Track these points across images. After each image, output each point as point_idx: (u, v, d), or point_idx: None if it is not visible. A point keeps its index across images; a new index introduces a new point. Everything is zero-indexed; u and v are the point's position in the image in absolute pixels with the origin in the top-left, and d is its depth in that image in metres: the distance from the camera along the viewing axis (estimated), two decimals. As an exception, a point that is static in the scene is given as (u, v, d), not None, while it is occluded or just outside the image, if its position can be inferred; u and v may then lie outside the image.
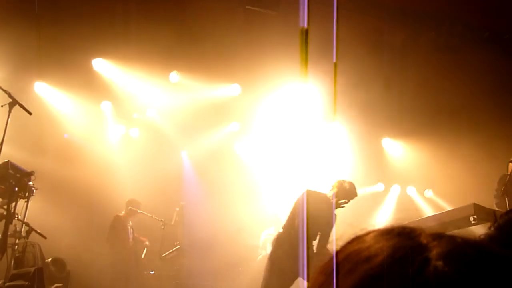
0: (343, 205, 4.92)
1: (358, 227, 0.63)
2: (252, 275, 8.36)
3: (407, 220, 7.53)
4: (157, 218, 8.16)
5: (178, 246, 8.04)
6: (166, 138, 9.89)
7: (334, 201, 4.86)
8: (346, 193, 4.94)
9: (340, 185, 4.99)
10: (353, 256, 0.55)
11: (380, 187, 10.64)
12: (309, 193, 4.87)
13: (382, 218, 10.12)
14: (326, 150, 9.46)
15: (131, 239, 8.00)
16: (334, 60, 5.83)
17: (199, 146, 9.92)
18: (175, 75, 9.05)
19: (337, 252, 0.57)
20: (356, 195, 4.99)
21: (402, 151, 10.31)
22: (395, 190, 10.74)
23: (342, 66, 7.42)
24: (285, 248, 4.74)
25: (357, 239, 0.57)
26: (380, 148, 10.33)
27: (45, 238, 5.48)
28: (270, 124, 9.73)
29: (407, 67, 9.04)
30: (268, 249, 8.18)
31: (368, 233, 0.58)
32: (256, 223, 9.00)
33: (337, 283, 0.53)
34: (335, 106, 8.08)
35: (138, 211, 8.00)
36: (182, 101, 9.19)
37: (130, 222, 8.15)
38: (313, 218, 4.69)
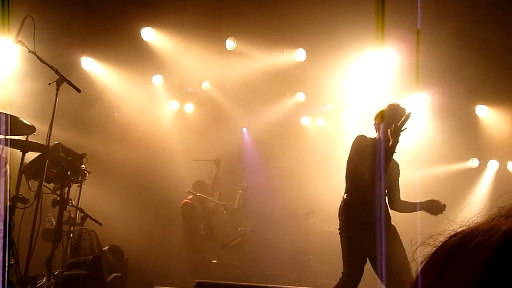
0: (400, 133, 4.24)
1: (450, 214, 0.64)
2: (325, 263, 8.43)
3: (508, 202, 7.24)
4: (218, 201, 8.35)
5: (242, 232, 8.21)
6: (224, 113, 10.04)
7: (382, 137, 4.35)
8: (391, 117, 4.35)
9: (378, 115, 4.51)
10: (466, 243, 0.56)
11: (474, 163, 10.28)
12: (361, 139, 4.52)
13: (477, 200, 9.79)
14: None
15: (202, 226, 8.27)
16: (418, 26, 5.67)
17: (261, 121, 10.00)
18: (230, 42, 9.10)
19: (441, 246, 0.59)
20: (405, 111, 4.37)
21: (501, 120, 9.86)
22: (493, 166, 10.33)
23: (427, 30, 7.19)
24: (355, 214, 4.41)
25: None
26: (474, 117, 9.93)
27: (100, 224, 5.77)
28: (341, 94, 9.63)
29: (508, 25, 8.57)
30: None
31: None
32: (328, 206, 9.00)
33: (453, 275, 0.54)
34: (417, 73, 7.89)
35: (198, 194, 8.22)
36: (240, 71, 9.25)
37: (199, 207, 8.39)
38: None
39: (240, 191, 8.53)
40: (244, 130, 10.76)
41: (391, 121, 4.30)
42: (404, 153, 8.85)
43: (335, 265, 8.51)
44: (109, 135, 9.36)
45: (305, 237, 8.77)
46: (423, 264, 0.60)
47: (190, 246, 8.02)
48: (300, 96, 10.08)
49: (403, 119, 4.21)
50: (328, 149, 9.97)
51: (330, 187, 9.29)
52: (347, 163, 4.59)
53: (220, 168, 8.69)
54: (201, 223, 8.24)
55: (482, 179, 10.29)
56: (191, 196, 8.27)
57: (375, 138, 4.55)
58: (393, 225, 4.46)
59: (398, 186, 4.66)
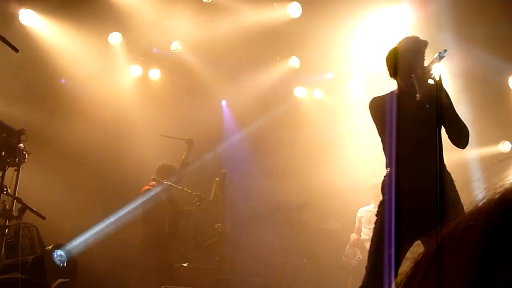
0: (429, 75, 4.02)
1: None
2: (322, 268, 8.54)
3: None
4: (189, 191, 8.36)
5: (220, 230, 8.27)
6: (198, 81, 10.02)
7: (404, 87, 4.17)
8: (410, 56, 4.14)
9: (391, 56, 4.30)
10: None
11: (506, 146, 10.43)
12: (374, 104, 4.36)
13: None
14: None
15: (166, 221, 8.28)
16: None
17: (244, 93, 10.00)
18: (208, -8, 9.05)
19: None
20: (423, 47, 4.16)
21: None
22: (506, 147, 10.52)
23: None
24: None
25: None
26: (506, 92, 10.04)
27: (43, 218, 5.77)
28: (344, 60, 9.65)
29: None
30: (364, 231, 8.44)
31: None
32: (326, 198, 9.10)
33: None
34: (438, 35, 7.93)
35: (165, 182, 8.22)
36: (219, 29, 9.22)
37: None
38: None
39: (218, 179, 8.53)
40: (223, 103, 10.76)
41: (412, 63, 4.10)
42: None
43: (333, 270, 8.69)
44: (54, 108, 9.31)
45: (297, 237, 8.85)
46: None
47: (151, 245, 8.04)
48: (293, 62, 10.09)
49: (434, 58, 3.96)
50: (327, 127, 10.03)
51: (329, 175, 9.40)
52: (379, 136, 4.42)
53: (192, 150, 8.66)
54: (165, 216, 8.23)
55: (515, 167, 10.42)
56: (154, 183, 8.27)
57: (392, 92, 4.31)
58: (453, 193, 4.11)
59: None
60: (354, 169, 9.40)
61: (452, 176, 4.23)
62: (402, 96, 4.19)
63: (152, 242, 8.06)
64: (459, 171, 5.06)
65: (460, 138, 4.30)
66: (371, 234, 4.21)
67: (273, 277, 8.55)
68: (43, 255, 5.21)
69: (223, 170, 8.67)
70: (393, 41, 8.86)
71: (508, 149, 10.46)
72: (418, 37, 4.24)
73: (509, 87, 10.01)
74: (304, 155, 9.70)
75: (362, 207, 8.84)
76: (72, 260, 6.25)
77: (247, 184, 9.66)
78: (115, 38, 9.49)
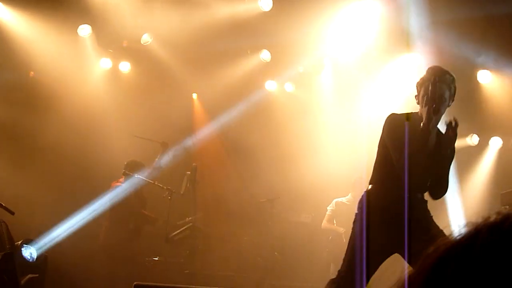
0: (435, 106, 4.19)
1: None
2: (294, 261, 8.61)
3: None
4: (160, 185, 8.36)
5: (190, 224, 8.28)
6: (168, 74, 10.00)
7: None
8: (427, 84, 4.27)
9: (419, 83, 4.39)
10: None
11: (474, 139, 10.57)
12: (392, 118, 4.46)
13: (476, 184, 10.13)
14: (398, 90, 9.49)
15: (132, 218, 8.24)
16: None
17: (215, 86, 10.00)
18: (179, -16, 9.03)
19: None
20: (436, 73, 4.29)
21: (506, 89, 10.14)
22: (495, 144, 10.66)
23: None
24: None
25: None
26: (474, 85, 10.18)
27: (12, 213, 5.73)
28: (315, 53, 9.70)
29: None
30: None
31: None
32: (297, 191, 9.16)
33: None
34: (408, 28, 8.02)
35: (136, 176, 8.20)
36: (190, 22, 9.20)
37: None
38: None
39: (189, 172, 8.53)
40: (194, 96, 10.74)
41: (428, 92, 4.22)
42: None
43: (306, 264, 8.77)
44: (23, 101, 9.21)
45: (269, 230, 8.90)
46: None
47: (115, 240, 8.02)
48: (264, 55, 10.11)
49: (431, 86, 4.18)
50: (298, 121, 10.09)
51: (300, 168, 9.46)
52: (378, 148, 4.54)
53: (166, 154, 8.61)
54: (131, 212, 8.20)
55: (482, 160, 10.60)
56: (122, 179, 8.24)
57: (415, 113, 4.41)
58: (428, 220, 4.40)
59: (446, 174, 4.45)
60: (325, 163, 9.47)
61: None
62: (418, 123, 4.30)
63: (116, 237, 8.03)
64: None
65: (439, 196, 4.50)
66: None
67: (244, 271, 8.60)
68: (12, 252, 5.17)
69: (194, 164, 8.67)
70: (363, 35, 8.99)
71: (476, 142, 10.62)
72: (441, 68, 4.36)
73: (478, 81, 10.15)
74: (276, 148, 9.75)
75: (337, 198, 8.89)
76: (41, 256, 6.21)
77: (218, 178, 9.68)
78: (84, 30, 9.40)
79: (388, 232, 4.17)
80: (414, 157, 4.19)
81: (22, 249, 5.93)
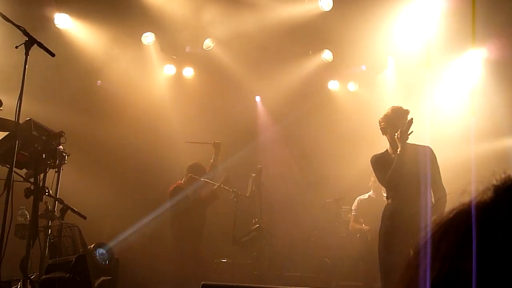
0: (407, 135, 5.60)
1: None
2: (359, 262, 8.55)
3: None
4: (226, 188, 8.44)
5: (257, 225, 8.32)
6: (231, 78, 10.08)
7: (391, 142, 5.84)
8: (395, 121, 5.73)
9: (384, 119, 5.88)
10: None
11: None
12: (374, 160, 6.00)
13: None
14: (462, 88, 9.32)
15: (194, 218, 8.35)
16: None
17: (278, 87, 10.04)
18: (239, -11, 9.09)
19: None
20: (407, 113, 5.73)
21: None
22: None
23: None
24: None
25: None
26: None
27: (84, 218, 5.89)
28: (377, 52, 9.61)
29: None
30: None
31: None
32: (363, 191, 9.09)
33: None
34: (473, 22, 7.84)
35: (202, 179, 8.31)
36: (251, 25, 9.25)
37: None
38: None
39: (254, 175, 8.59)
40: (257, 98, 10.81)
41: (396, 125, 5.66)
42: (455, 126, 8.90)
43: (370, 264, 8.66)
44: (91, 109, 9.47)
45: (335, 230, 8.87)
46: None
47: (181, 243, 8.14)
48: (326, 55, 10.08)
49: (406, 125, 5.55)
50: (361, 120, 9.99)
51: (364, 167, 9.36)
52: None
53: (219, 154, 8.68)
54: (192, 213, 8.28)
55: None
56: (182, 180, 8.35)
57: (385, 151, 5.95)
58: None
59: (437, 183, 5.65)
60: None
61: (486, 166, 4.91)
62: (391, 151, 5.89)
63: (182, 239, 8.16)
64: (493, 163, 5.13)
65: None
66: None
67: (311, 271, 8.60)
68: (85, 254, 5.34)
69: (259, 166, 8.72)
70: (426, 31, 8.84)
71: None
72: (401, 107, 5.85)
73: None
74: (339, 148, 9.69)
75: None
76: (113, 258, 6.36)
77: (284, 179, 9.70)
78: (148, 38, 9.61)
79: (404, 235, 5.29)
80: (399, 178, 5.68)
81: (95, 252, 6.10)
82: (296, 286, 7.75)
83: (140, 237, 8.18)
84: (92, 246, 6.22)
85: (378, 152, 6.03)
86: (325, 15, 9.11)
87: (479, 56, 9.43)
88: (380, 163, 5.87)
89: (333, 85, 10.78)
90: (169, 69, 10.26)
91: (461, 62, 9.56)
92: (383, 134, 5.93)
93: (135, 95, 9.70)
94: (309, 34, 9.64)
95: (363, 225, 8.56)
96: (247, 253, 8.43)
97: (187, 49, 10.07)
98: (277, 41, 9.51)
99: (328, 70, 10.33)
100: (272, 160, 9.87)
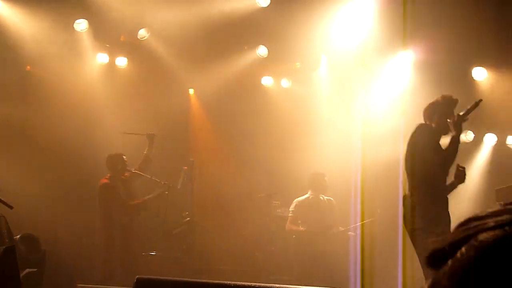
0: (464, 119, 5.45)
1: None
2: (287, 256, 8.64)
3: (506, 181, 7.59)
4: (157, 180, 8.36)
5: (188, 218, 8.28)
6: (165, 69, 9.97)
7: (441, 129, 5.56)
8: (441, 108, 5.57)
9: (431, 108, 5.66)
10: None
11: (468, 136, 10.60)
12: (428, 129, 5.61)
13: (471, 180, 10.16)
14: (393, 88, 9.52)
15: (123, 214, 8.23)
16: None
17: (212, 81, 9.99)
18: (176, -20, 9.00)
19: None
20: (457, 101, 5.63)
21: (501, 86, 10.17)
22: (490, 140, 10.69)
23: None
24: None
25: None
26: (468, 82, 10.21)
27: (11, 208, 5.72)
28: (312, 50, 9.71)
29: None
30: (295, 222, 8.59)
31: None
32: (295, 187, 9.17)
33: None
34: (405, 24, 8.04)
35: (133, 170, 8.21)
36: (187, 17, 9.19)
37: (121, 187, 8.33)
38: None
39: (186, 167, 8.54)
40: (191, 91, 10.72)
41: (445, 113, 5.52)
42: (386, 125, 9.11)
43: (306, 264, 8.77)
44: (18, 95, 9.17)
45: (266, 225, 8.92)
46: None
47: (110, 238, 8.03)
48: (261, 50, 10.10)
49: (469, 107, 5.46)
50: (295, 116, 10.10)
51: (297, 164, 9.46)
52: (411, 161, 5.60)
53: (153, 145, 8.58)
54: (122, 209, 8.15)
55: (477, 156, 10.64)
56: (108, 175, 8.22)
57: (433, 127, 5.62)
58: None
59: None
60: (321, 158, 9.47)
61: None
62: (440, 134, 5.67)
63: (110, 234, 8.04)
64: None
65: None
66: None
67: (242, 265, 8.62)
68: (14, 245, 5.15)
69: (191, 159, 8.68)
70: (360, 32, 9.00)
71: (471, 139, 10.64)
72: (451, 96, 5.68)
73: (472, 78, 10.18)
74: (273, 143, 9.75)
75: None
76: (39, 250, 6.20)
77: (216, 173, 9.68)
78: (81, 25, 9.36)
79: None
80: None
81: (21, 243, 5.92)
82: (226, 281, 7.75)
83: (68, 229, 7.99)
84: (18, 236, 6.04)
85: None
86: (262, 10, 9.15)
87: (408, 58, 9.68)
88: (436, 137, 5.66)
89: (266, 80, 10.82)
90: (102, 58, 10.03)
91: (393, 63, 9.78)
92: (426, 120, 5.71)
93: (66, 82, 9.43)
94: (245, 29, 9.65)
95: (300, 226, 8.60)
96: (177, 246, 8.36)
97: (122, 39, 9.88)
98: (213, 35, 9.47)
99: (263, 65, 10.37)
100: (205, 153, 9.82)
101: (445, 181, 5.51)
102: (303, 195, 8.79)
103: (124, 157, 8.33)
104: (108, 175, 8.23)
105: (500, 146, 10.66)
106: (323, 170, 8.92)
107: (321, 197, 8.71)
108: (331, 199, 8.76)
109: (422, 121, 5.75)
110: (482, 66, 10.08)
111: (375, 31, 8.90)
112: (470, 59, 9.94)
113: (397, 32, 8.85)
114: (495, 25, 9.00)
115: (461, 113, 5.38)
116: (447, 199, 5.54)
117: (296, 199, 8.80)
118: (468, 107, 5.44)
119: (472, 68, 10.19)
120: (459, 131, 5.38)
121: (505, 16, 8.92)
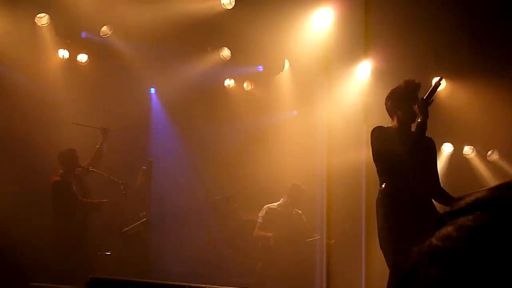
0: (428, 102, 5.09)
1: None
2: (245, 259, 8.64)
3: (462, 190, 7.71)
4: (115, 179, 8.28)
5: (145, 218, 8.22)
6: (127, 67, 9.88)
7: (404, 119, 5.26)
8: (408, 91, 5.26)
9: (392, 96, 5.37)
10: None
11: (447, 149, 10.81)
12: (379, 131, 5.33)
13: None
14: (353, 96, 9.62)
15: (76, 212, 8.12)
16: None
17: (174, 81, 9.93)
18: (140, -23, 8.93)
19: None
20: (418, 88, 5.28)
21: (457, 97, 10.34)
22: (446, 150, 10.88)
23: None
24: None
25: None
26: (426, 91, 10.36)
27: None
28: (276, 54, 9.74)
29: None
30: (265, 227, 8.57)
31: None
32: (253, 190, 9.18)
33: None
34: (366, 34, 8.13)
35: (85, 166, 8.12)
36: (151, 16, 9.11)
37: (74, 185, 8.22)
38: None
39: (145, 167, 8.49)
40: (152, 90, 10.65)
41: (412, 97, 5.21)
42: (350, 132, 9.19)
43: (257, 260, 8.80)
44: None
45: (223, 228, 8.90)
46: None
47: (64, 235, 7.93)
48: (224, 53, 10.10)
49: (431, 89, 5.07)
50: (255, 119, 10.11)
51: (256, 167, 9.48)
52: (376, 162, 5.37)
53: (107, 140, 8.49)
54: (75, 207, 8.06)
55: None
56: (61, 171, 8.10)
57: (393, 127, 5.35)
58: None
59: (435, 168, 5.46)
60: (281, 162, 9.51)
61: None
62: (402, 132, 5.30)
63: (63, 232, 7.94)
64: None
65: None
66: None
67: (197, 267, 8.59)
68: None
69: (150, 159, 8.63)
70: (322, 37, 9.06)
71: (450, 151, 10.82)
72: (414, 80, 5.36)
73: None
74: (233, 146, 9.75)
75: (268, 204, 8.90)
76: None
77: (174, 174, 9.62)
78: (43, 19, 9.21)
79: None
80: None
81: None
82: (181, 282, 7.71)
83: (22, 227, 7.84)
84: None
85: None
86: (227, 12, 9.13)
87: (369, 66, 9.79)
88: (390, 138, 5.32)
89: (229, 82, 10.82)
90: (63, 54, 9.88)
91: (354, 70, 9.88)
92: (390, 114, 5.46)
93: (24, 77, 9.27)
94: (209, 31, 9.62)
95: (267, 232, 8.58)
96: (133, 246, 8.29)
97: (83, 34, 9.74)
98: (177, 35, 9.41)
99: (225, 67, 10.35)
100: (164, 154, 9.75)
101: (414, 174, 5.24)
102: (276, 201, 8.78)
103: (76, 152, 8.22)
104: (60, 171, 8.11)
105: (457, 156, 10.85)
106: (285, 174, 8.95)
107: (293, 210, 8.72)
108: (300, 212, 8.77)
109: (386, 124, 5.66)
110: (442, 76, 10.22)
111: (339, 38, 8.97)
112: (428, 70, 10.08)
113: (358, 40, 8.95)
114: (453, 37, 9.14)
115: (424, 97, 5.09)
116: (419, 195, 5.29)
117: (267, 205, 8.75)
118: (430, 89, 5.15)
119: (432, 77, 10.33)
120: (425, 116, 5.06)
121: (463, 26, 9.07)
